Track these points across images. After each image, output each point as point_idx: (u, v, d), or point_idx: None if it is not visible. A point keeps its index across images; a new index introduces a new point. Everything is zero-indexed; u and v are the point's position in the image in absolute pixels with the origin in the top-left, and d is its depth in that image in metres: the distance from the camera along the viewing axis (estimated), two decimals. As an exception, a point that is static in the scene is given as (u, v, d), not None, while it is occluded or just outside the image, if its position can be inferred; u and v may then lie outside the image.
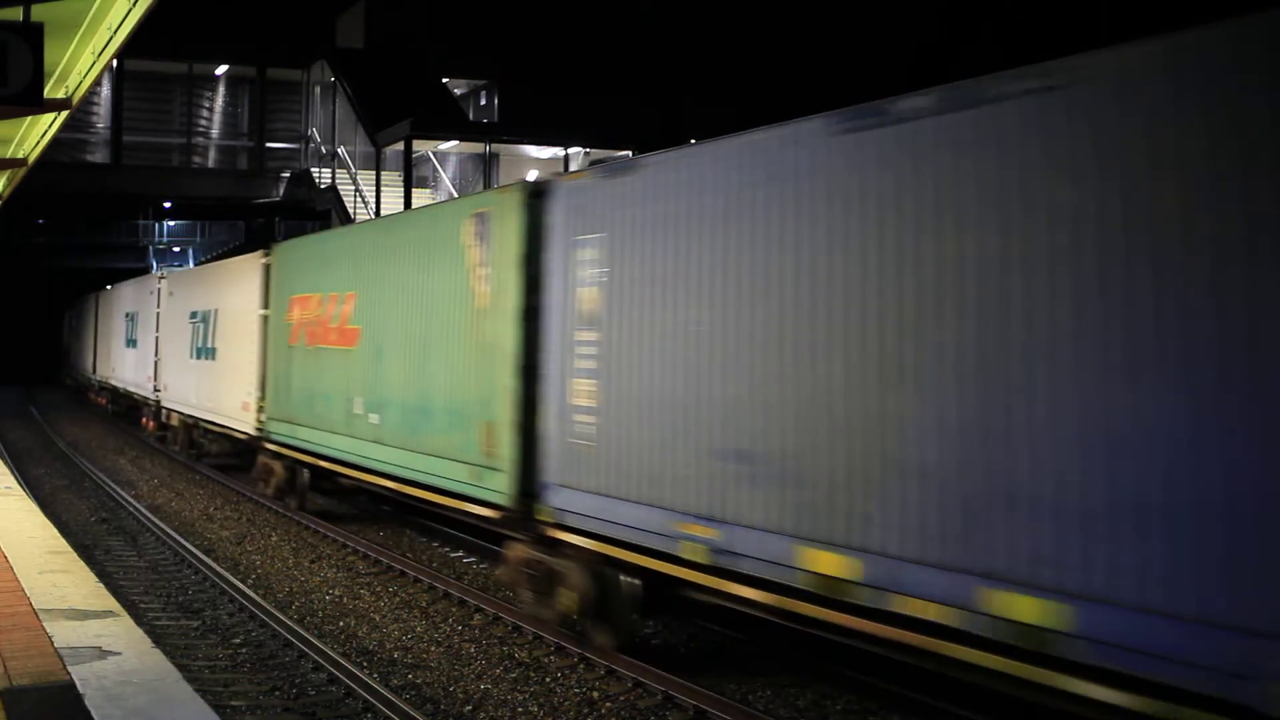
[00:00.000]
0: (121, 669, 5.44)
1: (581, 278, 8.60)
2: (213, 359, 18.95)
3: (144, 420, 25.68)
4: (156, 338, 23.80)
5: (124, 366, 28.55)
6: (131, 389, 27.16)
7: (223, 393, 18.12)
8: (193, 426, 20.89)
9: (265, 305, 15.97)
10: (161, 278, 24.69)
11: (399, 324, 11.75)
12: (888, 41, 33.72)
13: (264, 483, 16.38)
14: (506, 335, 9.49)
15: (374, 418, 12.13)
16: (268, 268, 16.01)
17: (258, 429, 16.09)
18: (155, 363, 23.80)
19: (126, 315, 28.39)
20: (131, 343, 27.18)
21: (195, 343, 20.18)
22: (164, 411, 23.11)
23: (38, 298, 53.92)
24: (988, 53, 27.09)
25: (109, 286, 34.03)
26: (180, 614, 10.60)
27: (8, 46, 8.91)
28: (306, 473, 15.13)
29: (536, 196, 9.31)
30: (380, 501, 15.61)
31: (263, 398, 15.84)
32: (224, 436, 18.83)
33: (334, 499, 16.31)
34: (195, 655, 9.13)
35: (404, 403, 11.51)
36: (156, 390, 23.60)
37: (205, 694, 6.48)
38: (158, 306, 23.85)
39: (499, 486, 9.54)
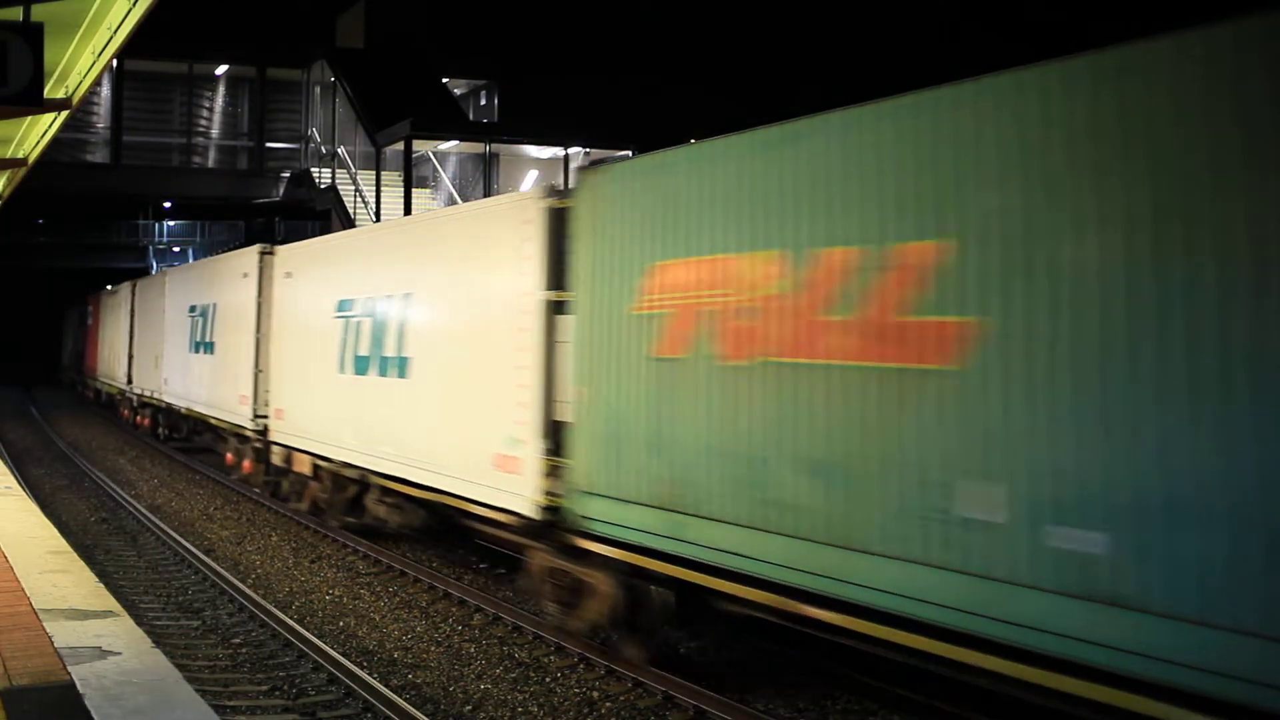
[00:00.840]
0: (121, 669, 5.44)
1: None
2: (400, 376, 12.13)
3: (232, 458, 18.63)
4: (257, 340, 17.12)
5: (188, 379, 21.79)
6: (204, 410, 20.21)
7: (431, 434, 11.41)
8: (354, 481, 13.55)
9: (554, 284, 9.40)
10: (267, 252, 17.41)
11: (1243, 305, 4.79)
12: (888, 40, 33.77)
13: (563, 607, 9.26)
14: None
15: (1084, 539, 5.33)
16: (560, 216, 9.32)
17: (547, 506, 9.21)
18: (256, 376, 16.95)
19: (192, 309, 21.61)
20: (204, 347, 20.53)
21: (351, 349, 13.47)
22: (276, 450, 16.33)
23: (38, 298, 54.04)
24: (987, 52, 27.11)
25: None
26: (180, 614, 10.60)
27: (8, 46, 8.93)
28: (668, 597, 8.49)
29: None
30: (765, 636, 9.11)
31: (556, 451, 9.25)
32: (424, 505, 12.00)
33: (686, 631, 9.62)
34: (195, 655, 9.14)
35: None
36: (259, 418, 16.78)
37: (205, 694, 6.48)
38: (259, 295, 17.24)
39: None
